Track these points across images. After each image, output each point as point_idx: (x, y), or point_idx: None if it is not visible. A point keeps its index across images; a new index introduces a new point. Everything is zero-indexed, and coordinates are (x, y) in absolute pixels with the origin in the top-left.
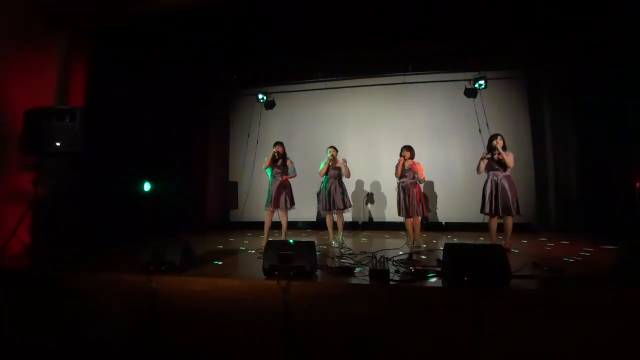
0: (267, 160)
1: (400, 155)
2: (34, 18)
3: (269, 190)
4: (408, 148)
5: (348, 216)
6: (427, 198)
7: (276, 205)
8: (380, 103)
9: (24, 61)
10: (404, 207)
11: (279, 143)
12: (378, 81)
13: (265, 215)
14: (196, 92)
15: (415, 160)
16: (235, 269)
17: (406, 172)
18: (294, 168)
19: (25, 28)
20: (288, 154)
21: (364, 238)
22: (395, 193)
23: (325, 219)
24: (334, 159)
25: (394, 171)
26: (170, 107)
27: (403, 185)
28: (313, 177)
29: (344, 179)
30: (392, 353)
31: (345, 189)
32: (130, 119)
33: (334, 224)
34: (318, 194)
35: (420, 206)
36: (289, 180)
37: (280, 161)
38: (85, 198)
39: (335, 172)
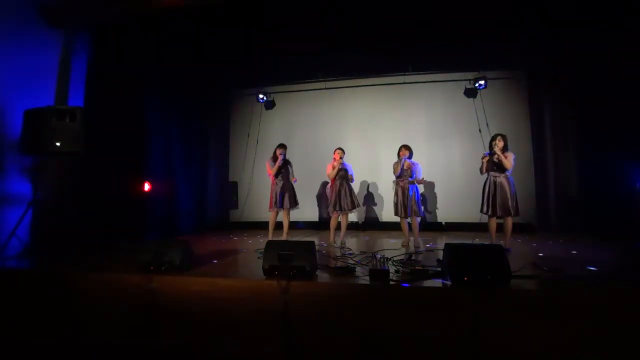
0: (275, 166)
1: (398, 154)
2: (34, 16)
3: (272, 192)
4: (407, 147)
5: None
6: (426, 198)
7: (280, 206)
8: (380, 103)
9: (24, 61)
10: (402, 207)
11: (283, 145)
12: (378, 81)
13: (268, 215)
14: (196, 92)
15: (413, 160)
16: (235, 269)
17: (404, 172)
18: (292, 172)
19: (25, 27)
20: (288, 154)
21: (364, 238)
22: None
23: (327, 218)
24: (341, 161)
25: (393, 169)
26: (170, 107)
27: (401, 184)
28: (313, 177)
29: None
30: (392, 353)
31: (353, 189)
32: (130, 119)
33: (338, 224)
34: (323, 195)
35: (418, 206)
36: (290, 180)
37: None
38: (85, 198)
39: (342, 173)
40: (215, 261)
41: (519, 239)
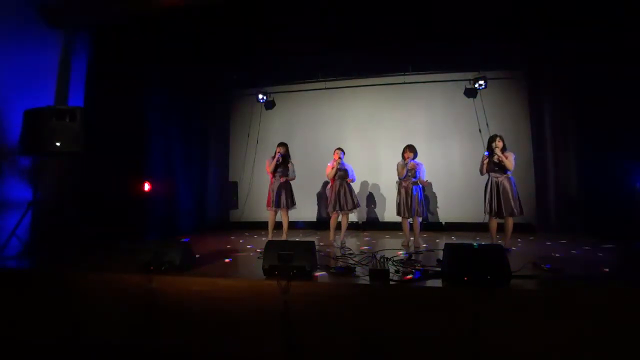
0: (272, 163)
1: (403, 155)
2: (34, 16)
3: (269, 190)
4: (411, 148)
5: (350, 216)
6: (428, 199)
7: (277, 205)
8: (380, 103)
9: (24, 61)
10: (405, 207)
11: (283, 144)
12: (378, 81)
13: (268, 215)
14: (196, 92)
15: (417, 160)
16: (235, 269)
17: (408, 172)
18: (294, 170)
19: (25, 27)
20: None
21: (364, 238)
22: (396, 192)
23: (327, 218)
24: (340, 161)
25: (397, 170)
26: (170, 107)
27: (404, 185)
28: (313, 177)
29: None
30: (392, 353)
31: (353, 189)
32: (130, 119)
33: (338, 224)
34: (323, 195)
35: (421, 207)
36: (289, 180)
37: (281, 161)
38: (85, 198)
39: (341, 173)
40: (215, 261)
41: (519, 239)
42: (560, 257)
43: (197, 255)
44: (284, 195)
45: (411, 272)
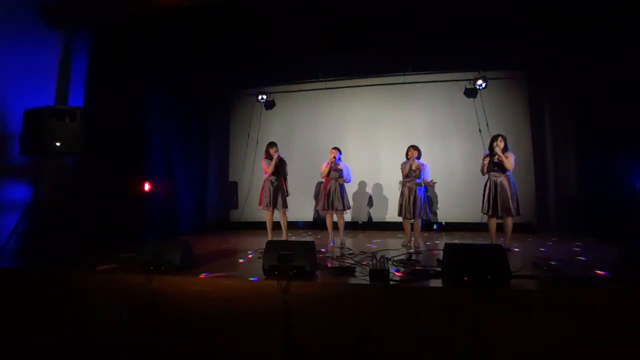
0: (272, 165)
1: (407, 154)
2: (34, 17)
3: (265, 190)
4: (415, 148)
5: (348, 216)
6: (432, 200)
7: (275, 205)
8: (380, 103)
9: (24, 60)
10: (407, 208)
11: (275, 144)
12: (378, 81)
13: (265, 215)
14: (196, 92)
15: (420, 161)
16: (235, 269)
17: (412, 173)
18: (286, 171)
19: (25, 27)
20: (288, 154)
21: (364, 238)
22: (398, 193)
23: (324, 219)
24: (334, 160)
25: (401, 169)
26: (170, 107)
27: (408, 185)
28: (313, 177)
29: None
30: (392, 353)
31: (345, 190)
32: (130, 119)
33: (334, 225)
34: (317, 195)
35: (424, 208)
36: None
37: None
38: (85, 198)
39: (336, 174)
40: (215, 261)
41: (519, 239)
42: (560, 257)
43: (196, 255)
44: (280, 197)
45: (413, 274)
